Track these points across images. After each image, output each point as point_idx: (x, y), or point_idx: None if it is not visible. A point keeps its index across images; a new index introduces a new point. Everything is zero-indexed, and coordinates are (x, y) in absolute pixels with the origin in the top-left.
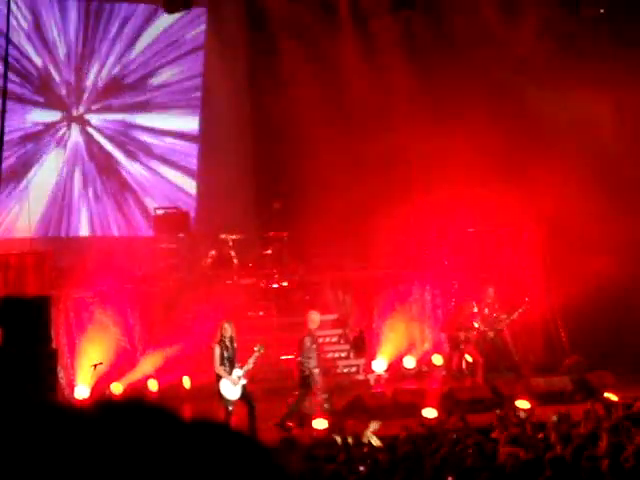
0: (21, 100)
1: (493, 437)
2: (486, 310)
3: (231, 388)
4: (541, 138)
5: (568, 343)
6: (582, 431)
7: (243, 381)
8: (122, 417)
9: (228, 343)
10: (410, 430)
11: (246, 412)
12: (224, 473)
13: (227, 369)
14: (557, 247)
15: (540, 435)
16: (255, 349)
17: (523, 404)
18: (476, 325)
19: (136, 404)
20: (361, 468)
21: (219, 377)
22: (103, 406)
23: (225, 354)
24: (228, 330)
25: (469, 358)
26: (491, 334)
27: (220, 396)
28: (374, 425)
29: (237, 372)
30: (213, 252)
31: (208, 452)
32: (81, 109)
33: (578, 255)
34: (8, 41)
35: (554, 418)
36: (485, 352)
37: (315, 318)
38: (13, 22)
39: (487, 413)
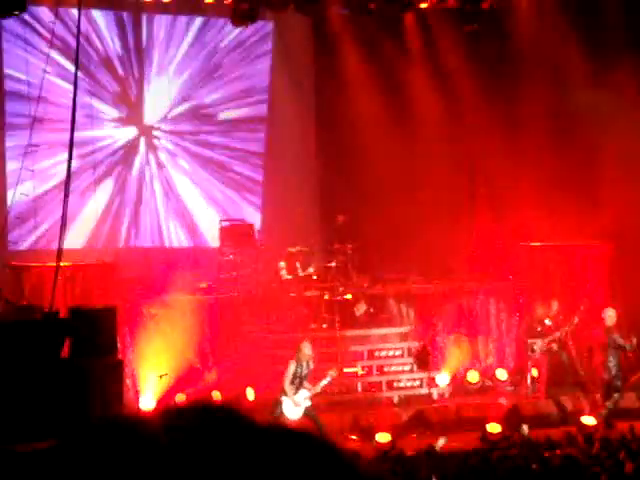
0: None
1: (559, 454)
2: (547, 321)
3: (292, 408)
4: (607, 153)
5: (634, 358)
6: None
7: (307, 403)
8: (194, 421)
9: (304, 363)
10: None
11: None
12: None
13: (295, 388)
14: (623, 262)
15: (605, 452)
16: (328, 373)
17: (589, 420)
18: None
19: (206, 408)
20: None
21: (284, 393)
22: (174, 412)
23: (298, 372)
24: (306, 350)
25: (535, 372)
26: (555, 347)
27: (280, 412)
28: (442, 441)
29: (304, 393)
30: (283, 263)
31: (289, 457)
32: (150, 122)
33: None
34: (77, 61)
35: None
36: (550, 366)
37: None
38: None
39: (552, 429)
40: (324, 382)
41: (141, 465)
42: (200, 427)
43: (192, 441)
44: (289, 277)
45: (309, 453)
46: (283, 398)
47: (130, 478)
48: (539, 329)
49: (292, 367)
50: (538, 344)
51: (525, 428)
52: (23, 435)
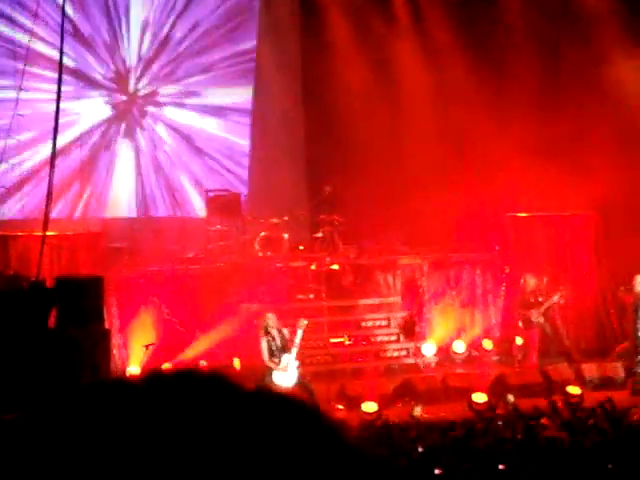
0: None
1: (543, 423)
2: (538, 293)
3: (284, 376)
4: (595, 123)
5: (620, 329)
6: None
7: (295, 363)
8: (177, 384)
9: (275, 334)
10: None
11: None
12: (287, 443)
13: (277, 359)
14: (609, 232)
15: (590, 421)
16: (298, 325)
17: (574, 390)
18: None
19: (191, 373)
20: (420, 449)
21: (270, 370)
22: (156, 376)
23: (273, 346)
24: (271, 321)
25: (519, 341)
26: (541, 319)
27: (270, 381)
28: (417, 410)
29: (286, 357)
30: (263, 233)
31: (271, 421)
32: (135, 88)
33: (630, 240)
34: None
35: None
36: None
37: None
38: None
39: (537, 398)
40: (299, 335)
41: (124, 428)
42: (185, 389)
43: (176, 402)
44: (264, 246)
45: (294, 418)
46: (273, 374)
47: (113, 441)
48: (532, 300)
49: (264, 343)
50: (534, 315)
51: (511, 397)
52: (10, 405)
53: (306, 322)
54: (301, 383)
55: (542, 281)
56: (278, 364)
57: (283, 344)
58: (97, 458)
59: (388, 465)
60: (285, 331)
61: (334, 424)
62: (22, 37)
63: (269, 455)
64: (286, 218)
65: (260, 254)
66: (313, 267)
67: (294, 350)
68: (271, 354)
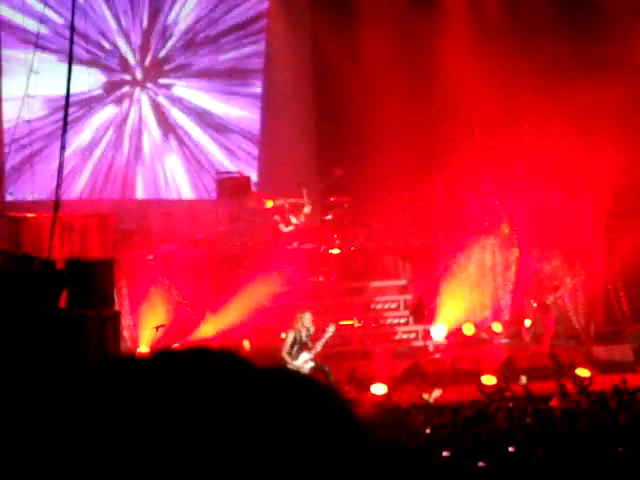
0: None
1: (552, 405)
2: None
3: None
4: (607, 104)
5: (630, 312)
6: None
7: (309, 364)
8: (187, 360)
9: (304, 332)
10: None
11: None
12: (297, 419)
13: (294, 355)
14: (620, 215)
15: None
16: (327, 330)
17: (583, 372)
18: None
19: (201, 350)
20: (427, 431)
21: (284, 362)
22: (165, 354)
23: (297, 339)
24: (306, 320)
25: (528, 323)
26: (556, 301)
27: None
28: (436, 392)
29: (304, 356)
30: (277, 216)
31: (282, 399)
32: (144, 73)
33: None
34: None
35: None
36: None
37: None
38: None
39: (547, 381)
40: (324, 339)
41: (133, 405)
42: (195, 365)
43: (186, 378)
44: (288, 229)
45: (307, 396)
46: (286, 362)
47: (122, 417)
48: (556, 283)
49: (291, 337)
50: (550, 299)
51: (524, 379)
52: (19, 384)
53: (334, 328)
54: (317, 365)
55: (556, 265)
56: (294, 360)
57: (305, 342)
58: (106, 436)
59: (397, 447)
60: (312, 331)
61: (347, 404)
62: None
63: (278, 434)
64: (294, 200)
65: (287, 229)
66: (323, 250)
67: (313, 351)
68: (290, 349)
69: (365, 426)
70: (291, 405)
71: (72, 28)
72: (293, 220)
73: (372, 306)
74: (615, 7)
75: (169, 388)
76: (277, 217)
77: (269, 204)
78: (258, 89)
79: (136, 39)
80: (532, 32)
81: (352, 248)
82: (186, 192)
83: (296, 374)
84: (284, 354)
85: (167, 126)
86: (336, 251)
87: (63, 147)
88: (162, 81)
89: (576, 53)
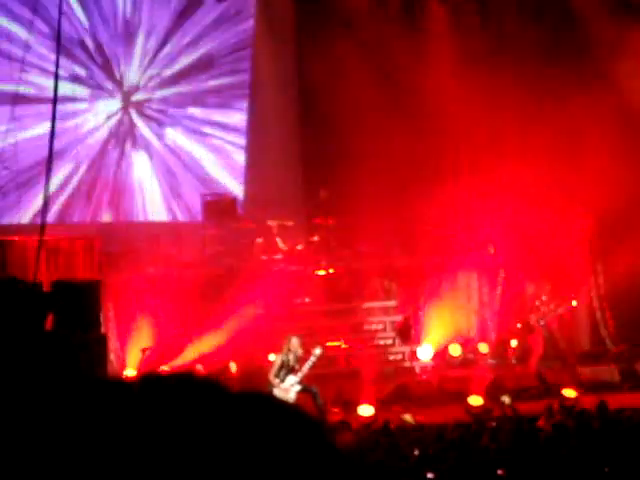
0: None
1: (539, 426)
2: (543, 298)
3: (282, 394)
4: (591, 125)
5: (615, 332)
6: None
7: (296, 387)
8: (170, 388)
9: (292, 357)
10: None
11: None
12: (273, 445)
13: (281, 378)
14: (604, 234)
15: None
16: (313, 353)
17: (569, 393)
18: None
19: (184, 377)
20: (415, 452)
21: (271, 386)
22: (150, 379)
23: (285, 363)
24: (293, 346)
25: (514, 344)
26: (541, 323)
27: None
28: (407, 417)
29: (291, 379)
30: (260, 240)
31: (258, 424)
32: (131, 94)
33: (626, 243)
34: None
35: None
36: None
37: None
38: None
39: (533, 401)
40: (310, 362)
41: (118, 429)
42: (179, 392)
43: (169, 404)
44: (277, 257)
45: (284, 423)
46: (273, 390)
47: (108, 440)
48: (537, 303)
49: (278, 360)
50: (533, 318)
51: (506, 398)
52: (5, 407)
53: (320, 351)
54: (304, 387)
55: (541, 286)
56: (281, 383)
57: (293, 366)
58: (92, 457)
59: (375, 470)
60: (300, 355)
61: (326, 431)
62: (19, 30)
63: (255, 457)
64: (280, 222)
65: (263, 257)
66: (309, 271)
67: (300, 374)
68: (278, 372)
69: (344, 453)
70: (267, 433)
71: (58, 50)
72: (280, 245)
73: (359, 327)
74: (600, 26)
75: (152, 416)
76: (260, 240)
77: (281, 244)
78: (243, 111)
79: (118, 65)
80: (517, 51)
81: (331, 271)
82: (172, 214)
83: (276, 401)
84: (271, 377)
85: (151, 148)
86: (322, 272)
87: (49, 170)
88: (146, 105)
89: (561, 73)
